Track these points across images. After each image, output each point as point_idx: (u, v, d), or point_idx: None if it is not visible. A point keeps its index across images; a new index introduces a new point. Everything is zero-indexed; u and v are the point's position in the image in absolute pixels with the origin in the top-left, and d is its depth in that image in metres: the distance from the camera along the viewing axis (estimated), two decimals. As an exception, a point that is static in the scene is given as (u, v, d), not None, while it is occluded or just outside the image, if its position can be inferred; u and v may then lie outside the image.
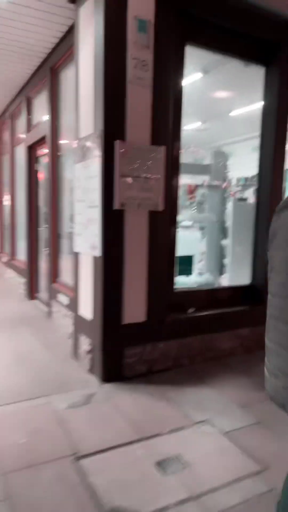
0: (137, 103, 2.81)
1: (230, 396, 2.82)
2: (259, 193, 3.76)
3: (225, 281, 4.64)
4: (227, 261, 4.56)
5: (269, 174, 3.63)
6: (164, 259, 3.12)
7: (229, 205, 4.53)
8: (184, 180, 3.89)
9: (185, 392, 2.85)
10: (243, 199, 4.85)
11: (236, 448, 2.22)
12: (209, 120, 6.61)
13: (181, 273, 3.41)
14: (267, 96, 3.64)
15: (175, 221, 3.26)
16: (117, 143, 2.74)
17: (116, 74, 2.75)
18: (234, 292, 3.76)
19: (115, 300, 2.92)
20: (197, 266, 4.71)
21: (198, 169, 3.98)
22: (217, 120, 6.58)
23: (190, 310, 3.32)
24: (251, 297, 3.79)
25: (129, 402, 2.70)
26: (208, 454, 2.17)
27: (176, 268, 3.34)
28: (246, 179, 8.37)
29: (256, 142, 7.68)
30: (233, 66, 3.95)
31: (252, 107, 5.66)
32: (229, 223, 4.58)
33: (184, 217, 3.92)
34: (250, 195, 8.43)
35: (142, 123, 2.86)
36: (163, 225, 3.06)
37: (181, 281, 3.61)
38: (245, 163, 8.25)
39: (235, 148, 7.97)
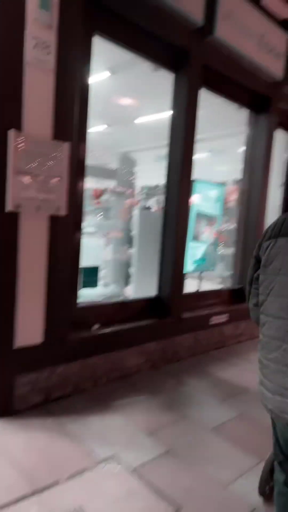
0: (37, 88, 2.42)
1: (137, 422, 2.57)
2: (166, 203, 3.64)
3: (130, 292, 4.44)
4: (132, 271, 4.37)
5: (176, 184, 3.53)
6: (66, 270, 2.75)
7: (135, 213, 4.35)
8: (89, 183, 3.58)
9: (88, 423, 2.51)
10: (147, 208, 4.73)
11: (146, 488, 1.96)
12: (114, 124, 6.41)
13: (86, 285, 3.07)
14: (175, 105, 3.54)
15: (80, 227, 2.93)
16: (12, 132, 2.31)
17: (11, 52, 2.32)
18: (141, 305, 3.56)
19: (5, 320, 2.46)
20: (102, 276, 4.43)
21: (104, 173, 3.71)
22: (122, 125, 6.41)
23: (95, 327, 3.00)
24: (157, 309, 3.63)
25: (21, 443, 2.25)
26: (115, 501, 1.87)
27: (80, 280, 3.00)
28: (149, 188, 8.45)
29: (160, 151, 7.72)
30: (142, 69, 3.80)
31: (159, 115, 5.66)
32: (135, 231, 4.41)
33: (89, 223, 3.60)
34: (153, 204, 8.49)
35: (42, 112, 2.47)
36: (66, 231, 2.69)
37: (86, 294, 3.27)
38: (148, 172, 8.32)
39: (139, 156, 7.94)
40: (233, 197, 5.04)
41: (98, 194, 3.42)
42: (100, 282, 3.83)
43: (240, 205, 4.76)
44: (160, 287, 3.70)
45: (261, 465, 2.19)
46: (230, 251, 5.48)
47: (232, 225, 5.32)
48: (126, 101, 5.54)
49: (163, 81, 3.69)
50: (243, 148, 4.74)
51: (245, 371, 3.61)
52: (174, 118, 3.55)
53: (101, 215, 3.60)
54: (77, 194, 2.82)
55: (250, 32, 3.77)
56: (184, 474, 2.10)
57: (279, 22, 4.17)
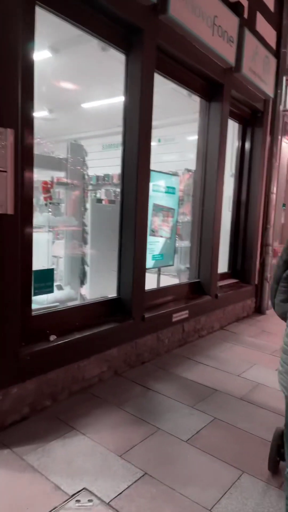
0: (-29, 63, 2.01)
1: (106, 442, 2.32)
2: (123, 194, 3.37)
3: (86, 292, 4.14)
4: (87, 269, 4.06)
5: (134, 174, 3.26)
6: (15, 276, 2.39)
7: (88, 207, 4.02)
8: (37, 175, 3.19)
9: (51, 450, 2.21)
10: (100, 200, 4.41)
11: (126, 525, 1.73)
12: (57, 109, 5.96)
13: (39, 291, 2.73)
14: (129, 89, 3.25)
15: (30, 225, 2.56)
16: None
17: None
18: (100, 308, 3.28)
19: None
20: (55, 277, 4.07)
21: (53, 163, 3.33)
22: (67, 111, 5.97)
23: (52, 338, 2.67)
24: (118, 311, 3.39)
25: (-28, 487, 1.91)
26: None
27: (33, 286, 2.65)
28: (97, 178, 8.04)
29: (109, 139, 7.36)
30: (89, 48, 3.44)
31: (109, 100, 5.29)
32: (88, 226, 4.08)
33: (39, 220, 3.22)
34: (102, 195, 8.13)
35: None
36: (13, 231, 2.33)
37: (39, 300, 2.92)
38: (97, 161, 7.93)
39: (86, 144, 7.53)
40: (182, 186, 4.88)
41: (48, 187, 3.04)
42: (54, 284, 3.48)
43: (194, 196, 4.63)
44: (120, 287, 3.44)
45: (244, 479, 2.06)
46: (185, 243, 5.35)
47: (186, 217, 5.19)
48: (70, 84, 5.13)
49: (113, 63, 3.38)
50: (194, 137, 4.60)
51: (210, 369, 3.50)
52: (128, 104, 3.26)
53: (49, 210, 3.22)
54: (25, 188, 2.46)
55: (202, 12, 3.57)
56: (165, 501, 1.89)
57: (231, 5, 4.02)
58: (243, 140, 5.39)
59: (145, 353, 3.55)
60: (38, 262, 3.07)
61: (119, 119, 3.30)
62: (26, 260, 2.55)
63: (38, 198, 3.02)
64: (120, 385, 3.05)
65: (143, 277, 3.46)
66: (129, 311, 3.35)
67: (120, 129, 3.31)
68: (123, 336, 3.27)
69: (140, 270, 3.40)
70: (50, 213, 3.29)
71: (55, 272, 3.86)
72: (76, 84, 4.96)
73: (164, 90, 3.96)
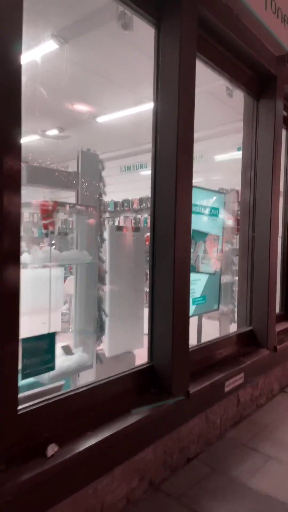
0: None
1: None
2: (154, 218, 2.40)
3: (105, 348, 3.12)
4: (106, 319, 3.05)
5: (171, 189, 2.29)
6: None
7: (106, 236, 3.06)
8: (31, 195, 2.27)
9: None
10: (120, 227, 3.46)
11: None
12: (69, 126, 5.15)
13: (33, 370, 1.73)
14: (163, 75, 2.34)
15: (17, 267, 1.59)
16: None
17: None
18: (126, 384, 2.23)
19: None
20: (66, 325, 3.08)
21: (56, 178, 2.40)
22: (80, 127, 5.16)
23: (51, 451, 1.64)
24: (152, 386, 2.33)
25: None
26: None
27: (21, 364, 1.65)
28: (115, 204, 7.19)
29: (128, 161, 6.46)
30: (105, 31, 2.59)
31: (131, 110, 4.44)
32: (107, 262, 3.12)
33: (37, 257, 2.25)
34: (121, 223, 7.23)
35: None
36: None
37: (31, 382, 1.92)
38: (113, 186, 7.10)
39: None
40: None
41: (49, 210, 2.09)
42: (58, 351, 2.47)
43: (241, 219, 3.63)
44: (153, 349, 2.40)
45: None
46: (226, 279, 4.31)
47: (229, 247, 4.18)
48: (81, 92, 4.28)
49: (139, 45, 2.51)
50: (227, 154, 3.67)
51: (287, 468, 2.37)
52: (163, 98, 2.34)
53: (53, 243, 2.25)
54: (8, 214, 1.51)
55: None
56: None
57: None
58: (293, 151, 4.42)
59: (192, 445, 2.46)
60: (39, 320, 2.11)
61: (142, 134, 2.39)
62: (8, 323, 1.56)
63: (39, 226, 2.12)
64: (157, 510, 1.96)
65: (186, 334, 2.42)
66: (167, 385, 2.29)
67: (143, 147, 2.40)
68: (161, 426, 2.21)
69: (182, 324, 2.36)
70: (54, 247, 2.32)
71: (63, 309, 2.87)
72: (88, 89, 4.11)
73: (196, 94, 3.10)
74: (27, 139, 5.91)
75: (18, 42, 1.53)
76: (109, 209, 6.77)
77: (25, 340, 1.68)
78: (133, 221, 6.48)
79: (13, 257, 1.57)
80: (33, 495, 1.55)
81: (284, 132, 4.32)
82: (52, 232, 2.12)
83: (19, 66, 1.55)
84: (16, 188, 1.56)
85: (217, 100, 3.79)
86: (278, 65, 3.30)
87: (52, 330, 3.20)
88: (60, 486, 1.66)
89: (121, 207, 6.64)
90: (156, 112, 2.35)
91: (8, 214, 1.52)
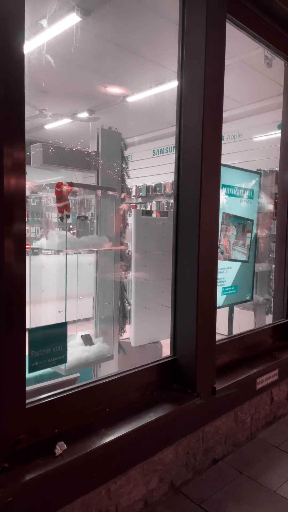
0: None
1: None
2: (178, 200, 2.19)
3: (130, 337, 3.00)
4: (130, 308, 2.92)
5: (196, 168, 2.08)
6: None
7: (131, 221, 2.91)
8: (44, 178, 2.14)
9: None
10: (149, 212, 3.28)
11: None
12: (100, 108, 5.00)
13: (42, 363, 1.63)
14: (190, 43, 2.10)
15: (22, 253, 1.47)
16: None
17: None
18: (146, 378, 2.08)
19: None
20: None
21: (70, 157, 2.26)
22: (110, 108, 4.98)
23: (59, 449, 1.53)
24: (174, 381, 2.18)
25: None
26: None
27: (28, 356, 1.55)
28: (147, 188, 6.99)
29: (160, 144, 6.22)
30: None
31: (163, 87, 4.18)
32: (131, 247, 2.97)
33: (52, 243, 2.13)
34: (153, 208, 7.05)
35: None
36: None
37: (43, 374, 1.83)
38: (145, 170, 6.89)
39: (133, 151, 6.55)
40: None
41: (63, 192, 1.96)
42: (77, 339, 2.36)
43: (281, 204, 3.32)
44: (176, 342, 2.23)
45: None
46: (261, 267, 4.03)
47: (266, 232, 3.89)
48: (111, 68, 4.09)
49: (164, 12, 2.27)
50: (268, 132, 3.35)
51: None
52: (188, 69, 2.11)
53: (70, 228, 2.12)
54: (7, 196, 1.38)
55: None
56: None
57: None
58: None
59: (218, 446, 2.28)
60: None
61: (175, 114, 2.17)
62: (12, 312, 1.45)
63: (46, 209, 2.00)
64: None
65: (212, 326, 2.23)
66: (191, 381, 2.12)
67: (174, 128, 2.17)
68: (184, 424, 2.05)
69: (208, 315, 2.17)
70: (73, 232, 2.19)
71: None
72: (116, 66, 3.90)
73: (229, 66, 2.80)
74: (58, 123, 5.82)
75: (19, 28, 1.37)
76: (141, 193, 6.59)
77: (33, 330, 1.57)
78: (165, 206, 6.27)
79: (17, 243, 1.45)
80: (39, 495, 1.46)
81: None
82: (68, 216, 1.98)
83: (22, 55, 1.40)
84: (19, 170, 1.42)
85: (255, 71, 3.47)
86: None
87: (83, 317, 3.13)
88: (69, 486, 1.55)
89: (154, 191, 6.44)
90: (181, 86, 2.13)
91: (9, 197, 1.40)
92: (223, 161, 2.24)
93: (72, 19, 2.89)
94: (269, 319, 3.68)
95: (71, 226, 2.20)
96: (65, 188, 1.96)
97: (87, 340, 2.38)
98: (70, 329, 2.60)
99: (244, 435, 2.49)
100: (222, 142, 2.21)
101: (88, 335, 2.44)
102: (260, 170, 4.45)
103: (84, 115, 5.26)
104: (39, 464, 1.46)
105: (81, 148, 2.55)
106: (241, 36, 2.57)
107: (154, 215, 4.32)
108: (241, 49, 3.03)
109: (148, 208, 6.43)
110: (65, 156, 2.25)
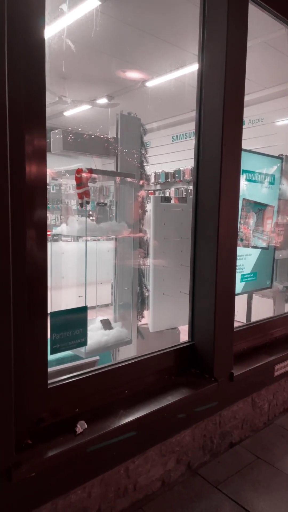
0: None
1: None
2: (197, 186, 2.18)
3: (149, 323, 3.03)
4: (148, 294, 2.94)
5: (216, 153, 2.06)
6: (19, 328, 1.36)
7: (149, 208, 2.91)
8: (60, 164, 2.16)
9: None
10: (167, 198, 3.27)
11: None
12: (119, 93, 4.97)
13: (63, 345, 1.68)
14: (211, 27, 2.06)
15: (43, 244, 1.50)
16: None
17: None
18: (164, 363, 2.11)
19: None
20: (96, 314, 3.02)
21: (90, 144, 2.27)
22: (129, 93, 4.94)
23: (80, 427, 1.58)
24: (192, 366, 2.20)
25: None
26: None
27: (50, 339, 1.60)
28: (166, 175, 6.94)
29: (179, 129, 6.15)
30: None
31: (182, 72, 4.11)
32: (150, 234, 2.98)
33: (73, 229, 2.17)
34: (172, 195, 7.01)
35: None
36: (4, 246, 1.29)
37: (64, 357, 1.89)
38: (165, 156, 6.83)
39: (153, 137, 6.50)
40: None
41: (82, 179, 1.98)
42: (97, 323, 2.42)
43: (302, 188, 3.25)
44: (194, 328, 2.25)
45: None
46: (282, 254, 3.98)
47: (286, 218, 3.82)
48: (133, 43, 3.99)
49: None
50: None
51: None
52: (209, 51, 2.07)
53: (90, 214, 2.15)
54: (25, 181, 1.41)
55: None
56: None
57: None
58: None
59: (235, 430, 2.31)
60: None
61: (195, 99, 2.13)
62: (35, 297, 1.49)
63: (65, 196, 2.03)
64: (195, 499, 1.86)
65: (231, 312, 2.23)
66: (209, 366, 2.14)
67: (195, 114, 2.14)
68: (201, 408, 2.08)
69: (226, 301, 2.17)
70: (92, 218, 2.22)
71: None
72: (135, 50, 3.85)
73: (251, 47, 2.72)
74: (78, 110, 5.81)
75: (40, 13, 1.37)
76: (159, 180, 6.56)
77: (55, 314, 1.61)
78: (184, 193, 6.22)
79: (39, 230, 1.48)
80: (60, 472, 1.52)
81: None
82: (88, 202, 2.01)
83: (43, 40, 1.40)
84: (40, 157, 1.44)
85: (278, 53, 3.37)
86: None
87: (102, 303, 3.18)
88: (89, 464, 1.61)
89: (172, 178, 6.39)
90: (202, 69, 2.09)
91: (31, 184, 1.42)
92: (244, 146, 2.21)
93: (92, 3, 2.87)
94: (288, 307, 3.65)
95: (90, 213, 2.23)
96: (84, 174, 1.98)
97: (106, 324, 2.43)
98: (90, 314, 2.65)
99: (262, 420, 2.50)
100: (243, 126, 2.18)
101: (107, 319, 2.49)
102: (282, 155, 4.34)
103: (103, 101, 5.24)
104: (61, 441, 1.52)
105: (100, 134, 2.55)
106: (264, 16, 2.49)
107: (172, 201, 4.31)
108: (264, 30, 2.94)
109: (167, 195, 6.40)
110: (84, 143, 2.27)
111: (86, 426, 1.60)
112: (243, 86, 2.09)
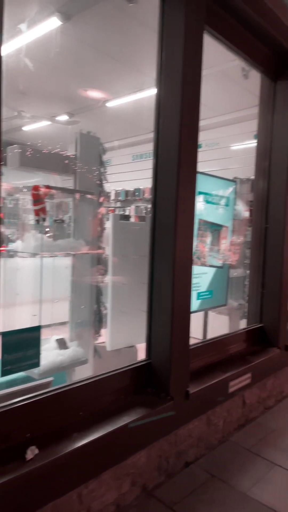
0: None
1: None
2: (155, 205, 2.22)
3: (106, 341, 3.00)
4: (106, 312, 2.92)
5: (172, 174, 2.12)
6: None
7: (108, 225, 2.92)
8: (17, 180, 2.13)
9: None
10: (126, 216, 3.30)
11: None
12: (79, 111, 5.00)
13: (14, 366, 1.61)
14: (168, 50, 2.14)
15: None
16: None
17: None
18: (120, 382, 2.09)
19: None
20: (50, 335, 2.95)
21: (49, 161, 2.26)
22: (90, 112, 4.99)
23: (30, 454, 1.52)
24: (149, 385, 2.19)
25: None
26: None
27: (3, 360, 1.54)
28: (127, 193, 7.03)
29: (139, 149, 6.27)
30: (109, 5, 2.41)
31: (142, 94, 4.23)
32: (108, 251, 2.98)
33: (29, 246, 2.13)
34: (131, 213, 7.08)
35: None
36: None
37: (16, 378, 1.81)
38: (125, 175, 6.92)
39: (113, 155, 6.56)
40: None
41: (40, 195, 1.96)
42: (52, 344, 2.36)
43: (256, 212, 3.41)
44: (151, 346, 2.26)
45: None
46: (237, 272, 4.12)
47: (240, 238, 3.98)
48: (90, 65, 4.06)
49: (144, 20, 2.32)
50: (245, 141, 3.44)
51: (296, 480, 2.19)
52: (166, 77, 2.15)
53: (47, 231, 2.12)
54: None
55: None
56: None
57: None
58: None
59: (190, 449, 2.31)
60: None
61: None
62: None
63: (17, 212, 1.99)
64: (151, 520, 1.83)
65: (187, 330, 2.26)
66: (165, 385, 2.14)
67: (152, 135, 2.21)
68: (157, 428, 2.06)
69: (182, 319, 2.20)
70: (49, 235, 2.19)
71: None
72: (96, 71, 3.93)
73: (208, 76, 2.86)
74: (37, 125, 5.77)
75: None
76: (120, 198, 6.62)
77: (6, 334, 1.55)
78: (144, 211, 6.31)
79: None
80: (8, 500, 1.44)
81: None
82: (44, 219, 1.98)
83: None
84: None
85: (233, 82, 3.56)
86: (298, 43, 3.04)
87: (59, 321, 3.10)
88: (39, 491, 1.54)
89: (133, 196, 6.47)
90: (159, 93, 2.16)
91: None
92: (201, 169, 2.29)
93: (53, 23, 2.90)
94: (243, 324, 3.75)
95: (47, 229, 2.20)
96: (42, 191, 1.96)
97: (61, 344, 2.37)
98: (45, 333, 2.58)
99: (217, 438, 2.53)
100: (201, 149, 2.27)
101: (63, 339, 2.43)
102: (236, 178, 4.55)
103: (64, 118, 5.24)
104: (9, 468, 1.44)
105: (60, 151, 2.55)
106: (219, 47, 2.65)
107: (133, 219, 4.34)
108: (219, 60, 3.11)
109: (127, 213, 6.45)
110: (43, 159, 2.25)
111: (37, 451, 1.54)
112: (198, 112, 2.18)
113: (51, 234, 2.26)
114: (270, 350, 3.12)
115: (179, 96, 2.06)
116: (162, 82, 2.14)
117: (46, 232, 2.15)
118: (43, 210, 1.97)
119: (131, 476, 1.93)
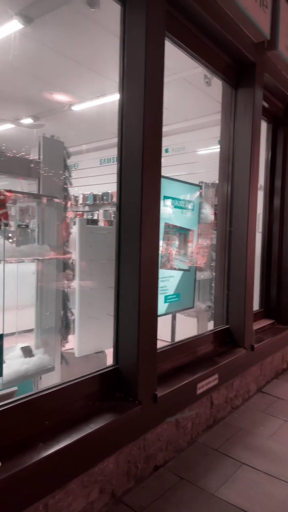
0: None
1: None
2: (120, 209, 2.23)
3: (74, 348, 2.95)
4: (73, 318, 2.89)
5: (136, 178, 2.13)
6: None
7: (75, 230, 2.89)
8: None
9: None
10: (94, 221, 3.28)
11: None
12: (44, 115, 4.93)
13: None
14: (129, 55, 2.16)
15: None
16: None
17: None
18: (88, 388, 2.07)
19: None
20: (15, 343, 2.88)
21: (13, 165, 2.21)
22: (55, 115, 4.93)
23: (-8, 467, 1.47)
24: (117, 390, 2.18)
25: None
26: None
27: None
28: (95, 197, 6.99)
29: (107, 153, 6.27)
30: (71, 9, 2.40)
31: (108, 98, 4.23)
32: (75, 256, 2.94)
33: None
34: (98, 217, 7.05)
35: None
36: None
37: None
38: (91, 179, 6.88)
39: (80, 160, 6.52)
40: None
41: (2, 200, 1.91)
42: (15, 354, 2.29)
43: (219, 214, 3.49)
44: (118, 350, 2.25)
45: None
46: (204, 275, 4.19)
47: (206, 241, 4.04)
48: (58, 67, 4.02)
49: (106, 24, 2.32)
50: (210, 145, 3.52)
51: (260, 477, 2.24)
52: (129, 81, 2.16)
53: (9, 236, 2.07)
54: None
55: None
56: None
57: None
58: (273, 144, 4.30)
59: (159, 453, 2.32)
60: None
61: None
62: None
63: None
64: (119, 527, 1.82)
65: (154, 333, 2.27)
66: (133, 389, 2.14)
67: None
68: (125, 433, 2.06)
69: (149, 323, 2.21)
70: (12, 241, 2.14)
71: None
72: (60, 74, 3.89)
73: (172, 82, 2.91)
74: (1, 128, 5.61)
75: None
76: (88, 202, 6.58)
77: None
78: (112, 215, 6.30)
79: None
80: None
81: (264, 124, 4.20)
82: (6, 224, 1.93)
83: None
84: None
85: (196, 89, 3.63)
86: (257, 52, 3.15)
87: (24, 328, 3.03)
88: (4, 504, 1.49)
89: (101, 200, 6.45)
90: (122, 98, 2.17)
91: None
92: (169, 173, 2.32)
93: (14, 25, 2.85)
94: (212, 326, 3.81)
95: (10, 235, 2.14)
96: (2, 196, 1.92)
97: (26, 352, 2.31)
98: (10, 341, 2.51)
99: (185, 440, 2.55)
100: (168, 154, 2.30)
101: (28, 346, 2.37)
102: (202, 182, 4.64)
103: (28, 121, 5.16)
104: None
105: (24, 154, 2.50)
106: (182, 54, 2.69)
107: (102, 224, 4.31)
108: (182, 67, 3.16)
109: (95, 217, 6.42)
110: (5, 163, 2.20)
111: (0, 464, 1.49)
112: (161, 117, 2.21)
113: (14, 239, 2.21)
114: (237, 351, 3.18)
115: (141, 100, 2.08)
116: (125, 86, 2.16)
117: (9, 238, 2.10)
118: (4, 215, 1.92)
119: (99, 484, 1.91)
